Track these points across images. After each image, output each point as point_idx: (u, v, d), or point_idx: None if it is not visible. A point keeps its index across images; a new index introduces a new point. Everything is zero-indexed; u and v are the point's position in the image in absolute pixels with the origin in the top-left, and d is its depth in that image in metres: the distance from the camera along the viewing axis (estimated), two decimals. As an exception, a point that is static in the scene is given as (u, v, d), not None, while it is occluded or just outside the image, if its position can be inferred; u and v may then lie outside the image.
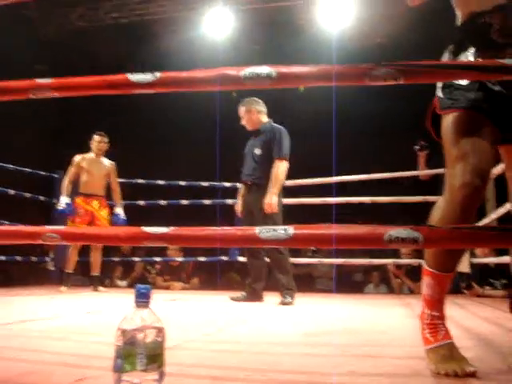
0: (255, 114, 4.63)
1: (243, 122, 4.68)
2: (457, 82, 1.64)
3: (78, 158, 5.71)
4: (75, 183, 5.70)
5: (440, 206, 1.64)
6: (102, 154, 5.78)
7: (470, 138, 1.59)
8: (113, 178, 5.83)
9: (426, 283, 1.67)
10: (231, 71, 1.47)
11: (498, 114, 1.61)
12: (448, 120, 1.65)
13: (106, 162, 5.80)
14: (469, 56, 1.64)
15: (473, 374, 1.48)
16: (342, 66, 1.45)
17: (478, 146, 1.58)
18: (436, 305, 1.65)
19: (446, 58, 1.73)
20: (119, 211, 5.72)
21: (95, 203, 5.64)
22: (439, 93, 1.70)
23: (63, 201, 5.42)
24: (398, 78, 1.41)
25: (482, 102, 1.60)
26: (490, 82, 1.60)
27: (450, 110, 1.65)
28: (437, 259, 1.65)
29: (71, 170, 5.64)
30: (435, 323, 1.64)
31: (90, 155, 5.75)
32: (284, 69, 1.46)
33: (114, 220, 5.68)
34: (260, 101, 4.69)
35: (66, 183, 5.56)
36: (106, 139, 5.78)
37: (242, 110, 4.67)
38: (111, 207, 5.84)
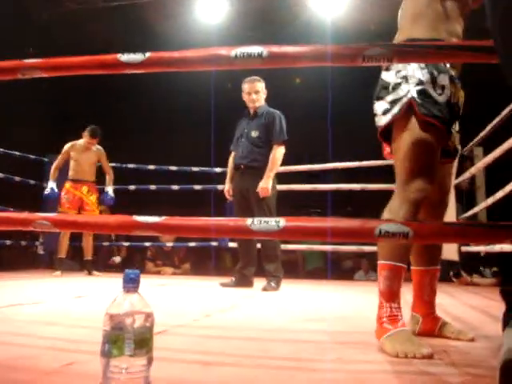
0: (265, 94, 4.57)
1: (250, 98, 4.48)
2: (432, 91, 1.76)
3: (67, 145, 5.82)
4: (65, 169, 5.80)
5: (394, 206, 1.76)
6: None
7: (430, 151, 1.76)
8: (103, 162, 5.95)
9: (383, 277, 1.74)
10: (222, 51, 1.46)
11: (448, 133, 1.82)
12: (415, 123, 1.76)
13: (95, 148, 5.87)
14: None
15: (430, 356, 1.53)
16: (336, 46, 1.43)
17: (434, 161, 1.78)
18: (394, 297, 1.72)
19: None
20: (108, 189, 5.88)
21: (84, 188, 5.75)
22: (414, 94, 1.77)
23: (49, 186, 5.62)
24: (391, 59, 1.40)
25: (447, 121, 1.77)
26: (453, 96, 1.79)
27: (428, 117, 1.74)
28: (394, 252, 1.73)
29: (59, 157, 5.79)
30: (394, 314, 1.70)
31: (80, 143, 5.83)
32: (275, 48, 1.44)
33: (101, 197, 5.88)
34: None
35: (53, 169, 5.72)
36: (96, 141, 5.84)
37: (257, 85, 4.50)
38: (102, 191, 5.95)
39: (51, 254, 6.36)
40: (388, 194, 1.81)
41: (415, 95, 1.76)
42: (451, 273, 5.50)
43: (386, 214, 1.76)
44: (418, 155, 1.75)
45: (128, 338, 1.00)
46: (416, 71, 1.79)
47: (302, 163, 6.06)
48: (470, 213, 5.22)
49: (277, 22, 7.66)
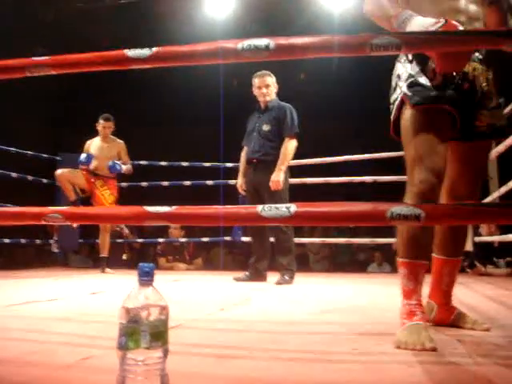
0: (276, 88, 4.57)
1: (261, 92, 4.47)
2: (422, 79, 1.75)
3: (87, 144, 5.74)
4: None
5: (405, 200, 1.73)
6: (108, 137, 5.76)
7: (428, 139, 1.73)
8: (123, 155, 5.76)
9: (401, 275, 1.74)
10: (228, 44, 1.46)
11: (458, 112, 1.75)
12: (410, 116, 1.76)
13: (114, 142, 5.76)
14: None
15: (432, 350, 1.52)
16: (343, 36, 1.43)
17: (434, 148, 1.72)
18: (412, 295, 1.72)
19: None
20: (119, 162, 5.69)
21: (98, 182, 5.61)
22: (404, 89, 1.77)
23: (83, 155, 5.53)
24: (399, 47, 1.39)
25: (447, 100, 1.73)
26: (458, 79, 1.74)
27: (418, 106, 1.73)
28: (410, 249, 1.73)
29: None
30: (412, 310, 1.70)
31: (97, 139, 5.74)
32: (282, 40, 1.44)
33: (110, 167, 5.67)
34: None
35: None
36: (110, 123, 5.72)
37: (267, 79, 4.48)
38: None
39: (65, 252, 6.39)
40: (400, 186, 1.82)
41: (405, 90, 1.77)
42: (465, 263, 5.48)
43: None
44: (417, 145, 1.74)
45: (144, 331, 1.01)
46: (405, 65, 1.81)
47: (314, 156, 6.04)
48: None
49: (284, 17, 7.64)
